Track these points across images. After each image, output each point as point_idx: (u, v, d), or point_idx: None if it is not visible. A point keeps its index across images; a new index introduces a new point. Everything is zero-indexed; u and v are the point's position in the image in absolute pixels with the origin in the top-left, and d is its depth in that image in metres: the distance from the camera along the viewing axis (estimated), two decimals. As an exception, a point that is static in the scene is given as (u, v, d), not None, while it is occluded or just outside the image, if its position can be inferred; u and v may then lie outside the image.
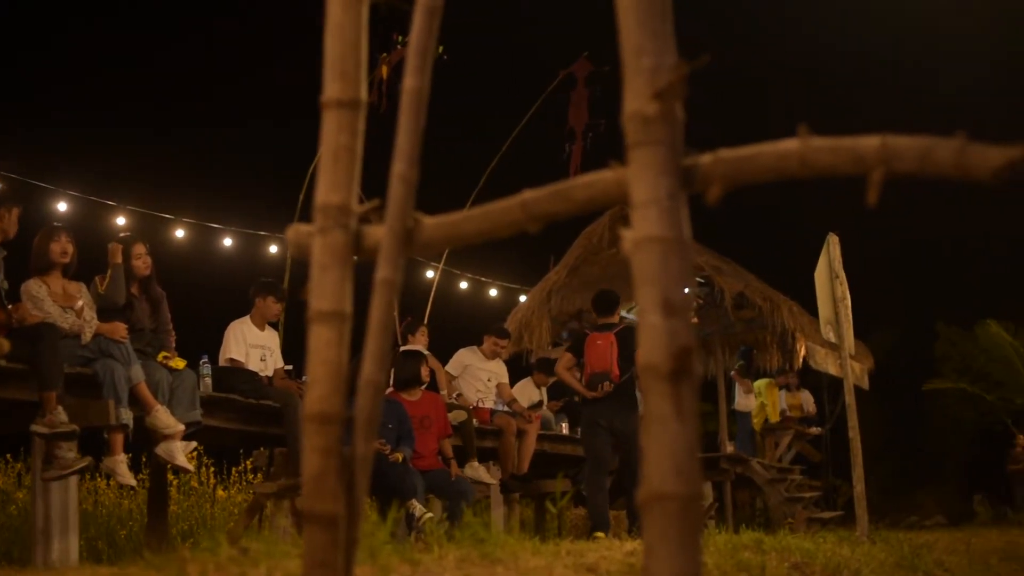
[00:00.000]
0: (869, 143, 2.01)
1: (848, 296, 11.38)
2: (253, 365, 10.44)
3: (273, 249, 19.40)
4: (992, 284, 35.72)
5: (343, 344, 2.62)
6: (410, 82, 2.64)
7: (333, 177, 2.67)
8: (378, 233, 2.63)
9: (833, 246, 11.40)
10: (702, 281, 18.31)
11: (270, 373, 10.57)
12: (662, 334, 1.98)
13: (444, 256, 19.79)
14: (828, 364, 16.48)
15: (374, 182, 2.84)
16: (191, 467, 9.73)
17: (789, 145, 2.06)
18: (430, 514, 9.84)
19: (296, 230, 2.80)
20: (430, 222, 2.57)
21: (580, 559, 5.86)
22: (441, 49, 15.07)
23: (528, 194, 2.36)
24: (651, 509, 1.97)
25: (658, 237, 2.02)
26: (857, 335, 19.84)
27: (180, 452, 8.68)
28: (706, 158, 2.11)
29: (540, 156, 19.80)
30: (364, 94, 2.74)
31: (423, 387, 11.36)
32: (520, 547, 5.68)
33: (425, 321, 15.37)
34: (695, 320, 19.01)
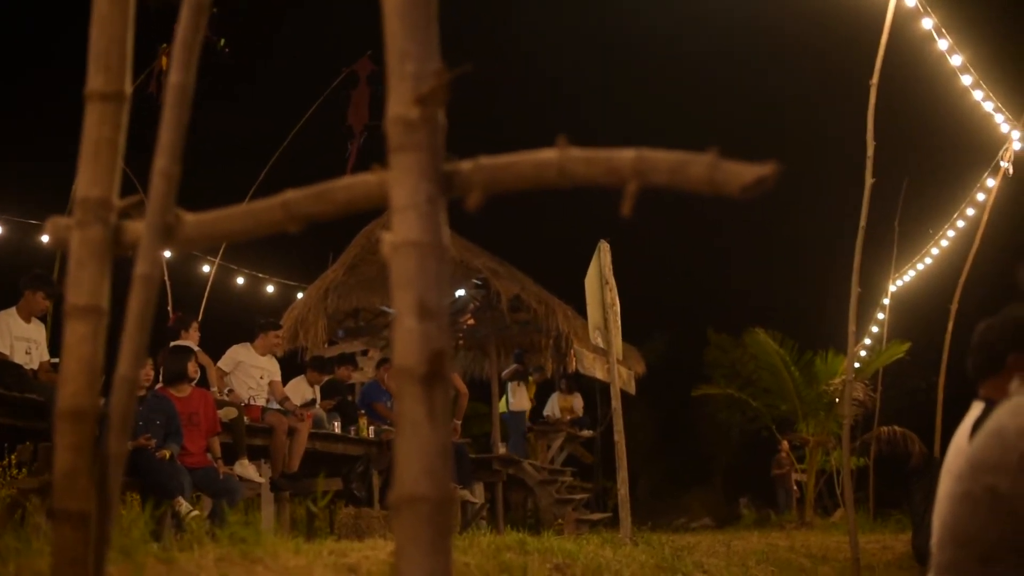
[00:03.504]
0: (625, 156, 2.06)
1: (617, 302, 11.58)
2: (18, 358, 10.18)
3: (45, 239, 18.89)
4: (760, 293, 36.80)
5: (99, 340, 2.57)
6: (175, 77, 2.61)
7: (94, 171, 2.62)
8: (138, 228, 2.59)
9: (604, 253, 11.59)
10: (479, 283, 18.45)
11: (35, 366, 10.32)
12: (417, 337, 2.00)
13: (221, 251, 19.56)
14: (596, 369, 16.77)
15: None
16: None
17: (547, 155, 2.10)
18: (196, 512, 9.70)
19: (55, 223, 2.73)
20: (191, 219, 2.55)
21: (342, 559, 5.86)
22: (223, 42, 14.89)
23: (290, 194, 2.35)
24: (402, 511, 1.98)
25: (416, 241, 2.04)
26: (629, 340, 20.22)
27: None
28: (466, 164, 2.13)
29: (331, 153, 19.73)
30: (128, 87, 2.70)
31: (192, 383, 11.20)
32: (282, 546, 5.65)
33: (200, 317, 15.15)
34: (471, 321, 19.16)
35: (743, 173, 1.99)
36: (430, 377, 1.99)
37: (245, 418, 11.91)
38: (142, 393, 10.21)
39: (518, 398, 21.15)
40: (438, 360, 2.00)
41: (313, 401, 14.42)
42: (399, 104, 2.11)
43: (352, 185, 2.27)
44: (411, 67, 2.10)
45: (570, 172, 2.09)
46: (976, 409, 4.29)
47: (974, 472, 2.79)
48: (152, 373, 10.86)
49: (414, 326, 2.01)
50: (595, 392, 24.25)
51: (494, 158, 2.13)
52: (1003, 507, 2.68)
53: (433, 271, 2.04)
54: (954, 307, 16.54)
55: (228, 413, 11.64)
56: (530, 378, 21.59)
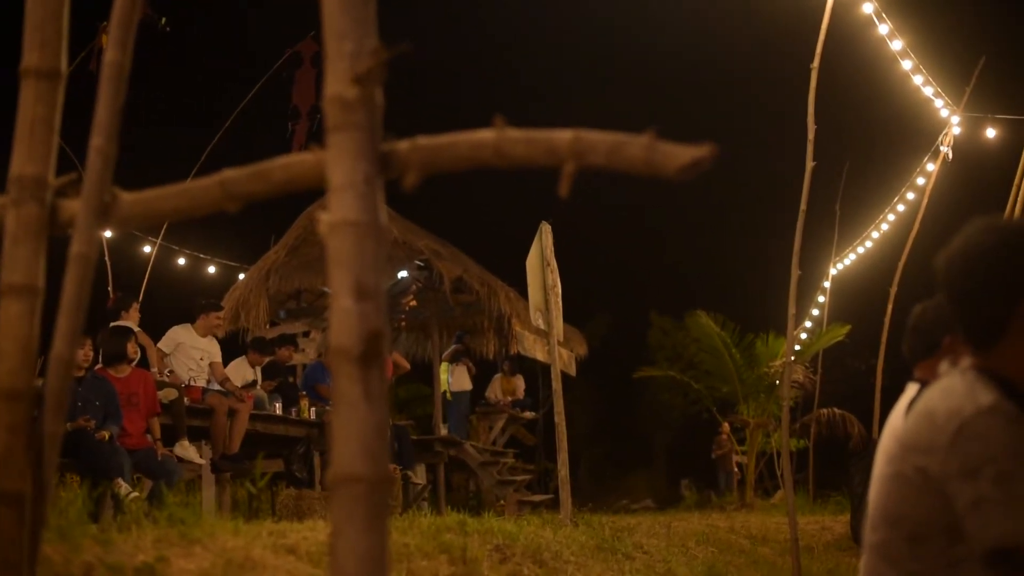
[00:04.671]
0: (562, 136, 2.06)
1: (559, 284, 11.60)
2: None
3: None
4: (703, 276, 36.98)
5: (34, 319, 2.55)
6: (111, 55, 2.59)
7: (29, 148, 2.59)
8: (74, 207, 2.57)
9: (546, 234, 11.60)
10: (421, 264, 18.43)
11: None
12: (353, 317, 2.00)
13: (162, 231, 19.41)
14: (536, 350, 16.80)
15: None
16: None
17: (485, 135, 2.10)
18: (136, 493, 9.64)
19: (-11, 200, 2.71)
20: (128, 197, 2.53)
21: (281, 540, 5.85)
22: (164, 21, 14.75)
23: (227, 173, 2.34)
24: (339, 491, 1.98)
25: (353, 221, 2.04)
26: (572, 322, 20.28)
27: None
28: (404, 145, 2.13)
29: (280, 134, 19.62)
30: (64, 65, 2.68)
31: (132, 364, 11.13)
32: (220, 527, 5.63)
33: (140, 297, 15.05)
34: (413, 303, 19.15)
35: (679, 155, 2.00)
36: (366, 357, 1.99)
37: (185, 399, 11.84)
38: (81, 374, 10.14)
39: (460, 379, 21.15)
40: (375, 340, 2.00)
41: (254, 382, 14.37)
42: (336, 83, 2.10)
43: (290, 165, 2.26)
44: (348, 46, 2.10)
45: (507, 153, 2.09)
46: (911, 391, 4.34)
47: (905, 453, 2.81)
48: (91, 354, 10.78)
49: (351, 306, 2.00)
50: (537, 374, 24.29)
51: (432, 138, 2.13)
52: (932, 488, 2.71)
53: (370, 251, 2.04)
54: (893, 290, 16.66)
55: (168, 394, 11.57)
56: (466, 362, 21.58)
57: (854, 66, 16.73)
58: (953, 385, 2.80)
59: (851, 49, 14.08)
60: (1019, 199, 13.55)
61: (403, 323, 22.12)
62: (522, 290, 14.83)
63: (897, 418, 3.84)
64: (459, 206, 34.66)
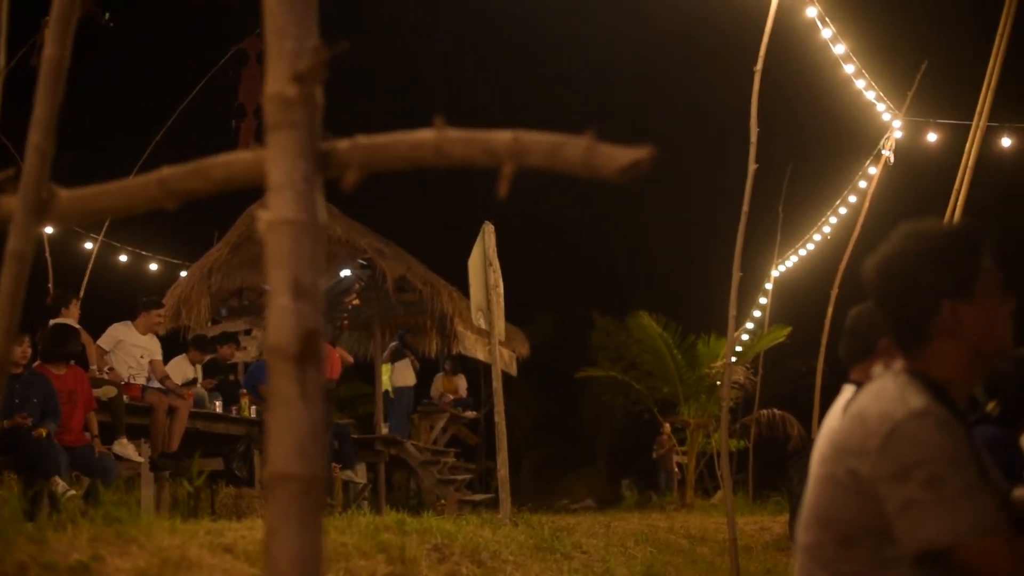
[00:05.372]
0: (501, 137, 2.07)
1: (501, 284, 11.61)
2: None
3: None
4: (646, 277, 37.12)
5: (-34, 315, 2.53)
6: (50, 51, 2.57)
7: (-35, 142, 2.58)
8: (11, 203, 2.55)
9: (488, 234, 11.61)
10: (364, 263, 18.40)
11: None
12: (290, 316, 1.99)
13: (104, 228, 19.29)
14: (478, 350, 16.87)
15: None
16: None
17: (425, 135, 2.10)
18: (73, 491, 9.57)
19: (-76, 196, 2.68)
20: (65, 194, 2.51)
21: (218, 538, 5.82)
22: (108, 16, 14.66)
23: (166, 171, 2.33)
24: (274, 490, 1.98)
25: (291, 220, 2.03)
26: (515, 322, 20.31)
27: None
28: (343, 144, 2.13)
29: (222, 132, 19.53)
30: (3, 60, 2.66)
31: (71, 361, 11.05)
32: (157, 526, 5.60)
33: (81, 294, 14.94)
34: (356, 302, 19.11)
35: (619, 156, 2.01)
36: (303, 356, 1.98)
37: (125, 397, 11.77)
38: (19, 371, 10.05)
39: (403, 374, 21.13)
40: (312, 339, 2.00)
41: (194, 380, 14.29)
42: (276, 81, 2.10)
43: (229, 163, 2.25)
44: (289, 44, 2.09)
45: (447, 152, 2.09)
46: (847, 392, 4.38)
47: (837, 455, 2.85)
48: (29, 351, 10.69)
49: (288, 305, 2.00)
50: (480, 374, 24.32)
51: (371, 138, 2.13)
52: (864, 490, 2.74)
53: (308, 250, 2.04)
54: (834, 293, 16.79)
55: (108, 392, 11.49)
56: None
57: (798, 70, 16.84)
58: (885, 388, 2.84)
59: (795, 53, 14.17)
60: (959, 203, 13.69)
61: (346, 322, 22.08)
62: (465, 290, 14.86)
63: (833, 420, 3.88)
64: (404, 206, 34.63)
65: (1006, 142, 16.67)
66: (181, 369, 14.29)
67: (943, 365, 2.89)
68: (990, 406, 4.72)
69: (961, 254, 2.90)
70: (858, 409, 2.83)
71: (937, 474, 2.60)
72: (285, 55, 2.10)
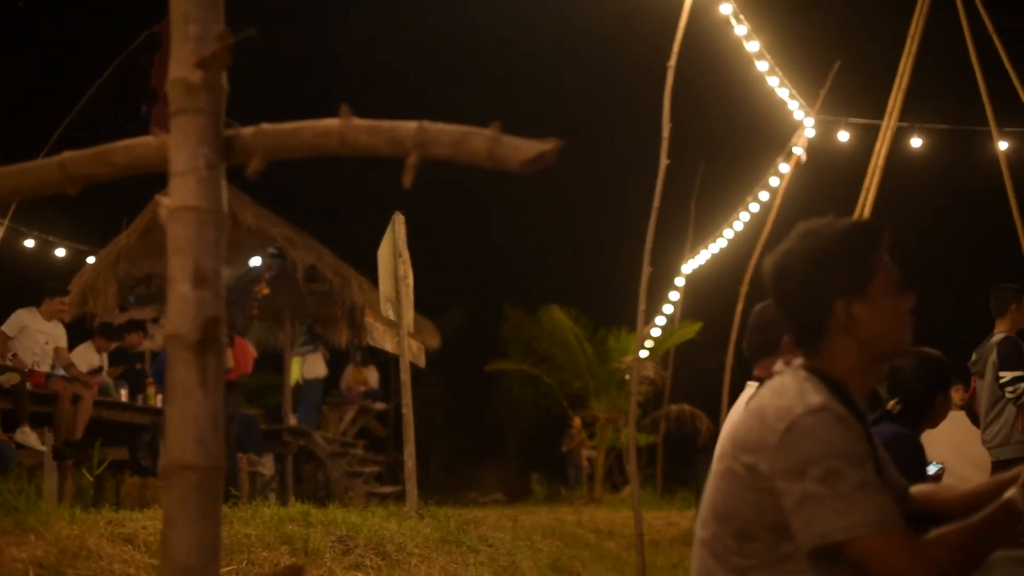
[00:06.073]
0: (407, 127, 2.06)
1: (411, 275, 11.56)
2: None
3: None
4: (558, 270, 37.21)
5: None
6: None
7: None
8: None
9: (398, 225, 11.55)
10: (275, 252, 18.28)
11: None
12: (191, 304, 1.97)
13: (10, 212, 19.02)
14: (386, 341, 16.84)
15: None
16: None
17: (330, 123, 2.09)
18: (-28, 480, 9.44)
19: None
20: (-37, 176, 2.47)
21: (119, 528, 5.76)
22: (20, -1, 14.45)
23: (67, 155, 2.30)
24: (172, 479, 1.96)
25: (193, 207, 2.01)
26: (426, 314, 20.28)
27: None
28: (248, 130, 2.11)
29: (136, 118, 19.27)
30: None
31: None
32: (56, 516, 5.53)
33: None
34: (266, 291, 18.99)
35: (523, 148, 2.01)
36: (203, 344, 1.97)
37: (28, 384, 11.60)
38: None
39: (314, 365, 21.07)
40: (212, 327, 1.98)
41: (100, 368, 14.14)
42: (180, 66, 2.07)
43: (132, 148, 2.22)
44: (193, 29, 2.07)
45: (352, 141, 2.08)
46: (750, 389, 4.42)
47: (736, 450, 2.87)
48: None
49: (188, 293, 1.98)
50: (391, 365, 24.27)
51: (276, 125, 2.12)
52: (762, 485, 2.76)
53: (210, 238, 2.01)
54: (744, 289, 16.96)
55: (10, 379, 11.31)
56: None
57: (711, 66, 16.94)
58: (784, 384, 2.87)
59: (709, 49, 14.25)
60: (868, 201, 13.86)
61: (255, 311, 21.94)
62: (376, 280, 14.82)
63: (735, 416, 3.91)
64: (314, 194, 34.44)
65: (916, 142, 16.90)
66: (87, 357, 14.13)
67: (840, 363, 2.93)
68: (891, 404, 4.78)
69: (854, 253, 2.93)
70: (758, 405, 2.86)
71: (834, 469, 2.63)
72: (189, 40, 2.08)
